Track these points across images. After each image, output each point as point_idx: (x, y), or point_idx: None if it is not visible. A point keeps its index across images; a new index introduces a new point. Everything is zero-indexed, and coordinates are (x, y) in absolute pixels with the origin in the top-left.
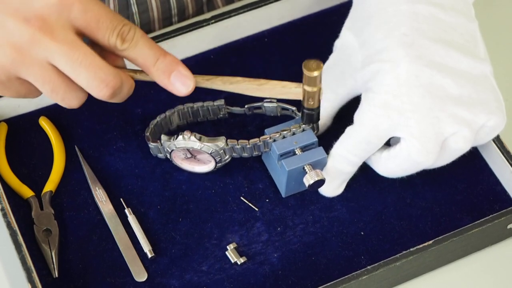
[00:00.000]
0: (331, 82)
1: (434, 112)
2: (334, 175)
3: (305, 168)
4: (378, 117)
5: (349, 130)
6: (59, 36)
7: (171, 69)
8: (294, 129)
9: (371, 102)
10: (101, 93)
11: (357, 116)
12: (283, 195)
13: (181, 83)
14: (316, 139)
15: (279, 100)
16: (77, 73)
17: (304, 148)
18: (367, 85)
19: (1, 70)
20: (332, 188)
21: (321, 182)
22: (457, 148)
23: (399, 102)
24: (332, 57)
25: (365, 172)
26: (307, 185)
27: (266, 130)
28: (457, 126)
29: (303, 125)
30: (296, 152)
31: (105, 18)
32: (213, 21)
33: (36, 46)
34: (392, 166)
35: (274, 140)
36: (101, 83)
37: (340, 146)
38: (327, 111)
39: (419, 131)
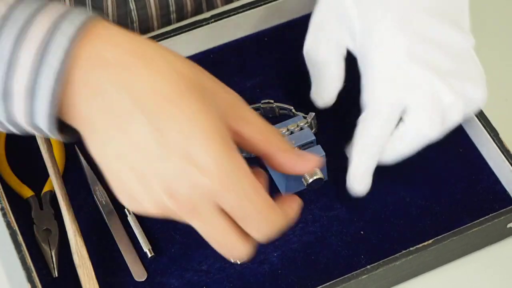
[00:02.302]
0: (330, 37)
1: (436, 84)
2: (365, 172)
3: None
4: (388, 91)
5: (363, 120)
6: (200, 216)
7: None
8: (292, 128)
9: (376, 77)
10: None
11: (367, 96)
12: (283, 193)
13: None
14: (314, 138)
15: (276, 100)
16: (211, 244)
17: (302, 147)
18: (366, 59)
19: (136, 211)
20: (365, 185)
21: (319, 181)
22: (452, 120)
23: (403, 75)
24: (323, 7)
25: None
26: (305, 184)
27: None
28: (454, 98)
29: (301, 124)
30: None
31: (251, 218)
32: (212, 20)
33: (177, 215)
34: (401, 146)
35: None
36: (230, 256)
37: (362, 140)
38: (335, 73)
39: (427, 102)
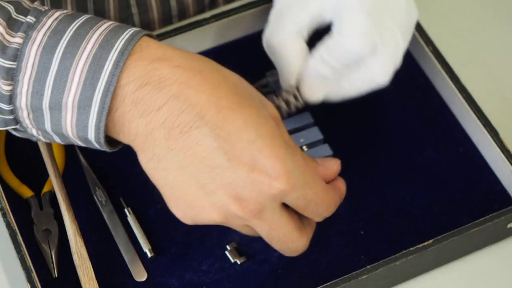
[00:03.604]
0: (294, 9)
1: (394, 30)
2: (315, 78)
3: None
4: (362, 25)
5: (337, 37)
6: (265, 217)
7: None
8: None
9: (351, 17)
10: (287, 255)
11: (340, 26)
12: None
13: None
14: (322, 137)
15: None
16: (271, 243)
17: (310, 146)
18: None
19: (200, 222)
20: (311, 91)
21: None
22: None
23: (372, 19)
24: None
25: (364, 171)
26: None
27: None
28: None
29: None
30: (303, 149)
31: (313, 205)
32: (213, 20)
33: (240, 220)
34: (348, 85)
35: None
36: (291, 253)
37: (323, 48)
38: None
39: (388, 46)
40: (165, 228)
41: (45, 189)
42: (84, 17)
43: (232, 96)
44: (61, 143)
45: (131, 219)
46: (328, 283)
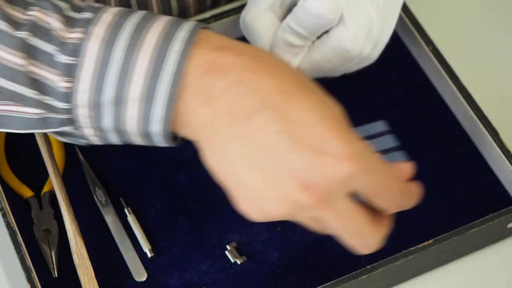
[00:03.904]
0: None
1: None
2: (284, 48)
3: None
4: None
5: (302, 3)
6: (335, 206)
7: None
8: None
9: None
10: (359, 252)
11: None
12: None
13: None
14: (397, 144)
15: None
16: (343, 237)
17: (384, 153)
18: None
19: (266, 216)
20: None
21: None
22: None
23: None
24: None
25: None
26: None
27: None
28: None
29: None
30: None
31: (384, 191)
32: (212, 20)
33: (310, 210)
34: (317, 54)
35: None
36: (362, 248)
37: (289, 16)
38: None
39: (356, 14)
40: (165, 228)
41: (45, 189)
42: (142, 12)
43: (296, 82)
44: (115, 142)
45: (131, 219)
46: (328, 283)
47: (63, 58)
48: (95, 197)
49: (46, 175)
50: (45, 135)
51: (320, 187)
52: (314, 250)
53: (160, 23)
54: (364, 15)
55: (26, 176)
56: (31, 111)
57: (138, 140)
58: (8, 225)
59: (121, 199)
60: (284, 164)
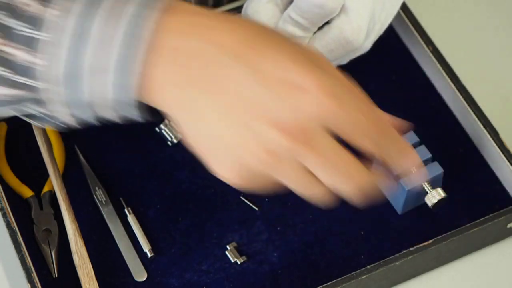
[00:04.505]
0: None
1: None
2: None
3: (424, 186)
4: None
5: None
6: (316, 145)
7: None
8: None
9: None
10: (354, 196)
11: None
12: (399, 213)
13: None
14: (431, 155)
15: None
16: (332, 180)
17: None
18: None
19: (247, 169)
20: None
21: (443, 201)
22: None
23: None
24: None
25: None
26: (430, 205)
27: None
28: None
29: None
30: (412, 171)
31: (362, 127)
32: None
33: (292, 155)
34: (319, 45)
35: None
36: (355, 190)
37: (291, 7)
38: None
39: (356, 3)
40: (165, 228)
41: (45, 189)
42: None
43: (261, 33)
44: (90, 119)
45: (131, 219)
46: (328, 283)
47: (39, 34)
48: (95, 197)
49: (46, 175)
50: (45, 135)
51: (293, 124)
52: (314, 250)
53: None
54: (366, 4)
55: (26, 176)
56: (4, 92)
57: (110, 114)
58: (8, 225)
59: (121, 199)
60: (254, 109)
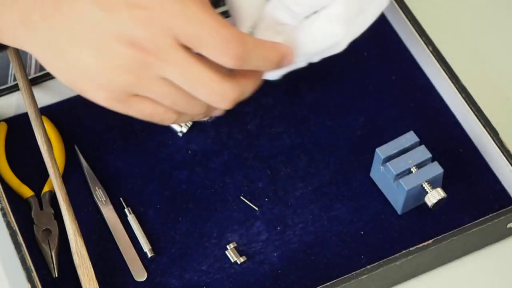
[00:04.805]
0: None
1: None
2: (269, 24)
3: (424, 186)
4: None
5: None
6: (169, 57)
7: (281, 63)
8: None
9: None
10: (221, 105)
11: None
12: (399, 213)
13: (286, 63)
14: (430, 155)
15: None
16: (194, 90)
17: (419, 165)
18: None
19: (117, 90)
20: (264, 38)
21: (442, 201)
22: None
23: None
24: None
25: (364, 171)
26: (430, 205)
27: (378, 149)
28: None
29: None
30: (412, 170)
31: (205, 35)
32: None
33: (148, 69)
34: (303, 36)
35: None
36: (219, 98)
37: None
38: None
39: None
40: (165, 228)
41: (45, 189)
42: None
43: None
44: None
45: (131, 219)
46: (328, 283)
47: None
48: (95, 197)
49: (46, 175)
50: (45, 135)
51: (144, 39)
52: (314, 250)
53: None
54: None
55: (26, 176)
56: None
57: None
58: (8, 225)
59: (121, 199)
60: (105, 32)
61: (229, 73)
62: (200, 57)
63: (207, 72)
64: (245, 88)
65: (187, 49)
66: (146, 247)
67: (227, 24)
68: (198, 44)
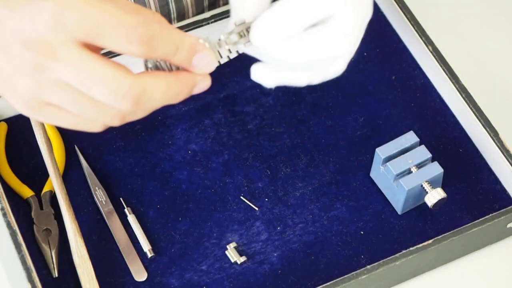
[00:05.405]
0: None
1: None
2: (272, 19)
3: (424, 186)
4: None
5: None
6: (61, 55)
7: (192, 55)
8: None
9: None
10: (122, 106)
11: None
12: (399, 213)
13: (204, 64)
14: (430, 155)
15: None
16: (91, 90)
17: (419, 165)
18: None
19: (26, 97)
20: (261, 33)
21: (442, 201)
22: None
23: None
24: None
25: (364, 171)
26: (430, 205)
27: (378, 149)
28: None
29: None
30: (412, 171)
31: (106, 25)
32: (212, 20)
33: (42, 71)
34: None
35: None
36: (117, 96)
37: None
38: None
39: (355, 7)
40: (165, 228)
41: (45, 189)
42: None
43: None
44: None
45: (131, 219)
46: (328, 283)
47: None
48: (95, 197)
49: (46, 175)
50: (45, 135)
51: (36, 39)
52: (314, 250)
53: None
54: (364, 4)
55: (26, 176)
56: None
57: None
58: (9, 225)
59: (121, 199)
60: (8, 31)
61: (130, 71)
62: (97, 55)
63: (101, 69)
64: (150, 87)
65: (87, 46)
66: (146, 247)
67: (130, 10)
68: (99, 36)
